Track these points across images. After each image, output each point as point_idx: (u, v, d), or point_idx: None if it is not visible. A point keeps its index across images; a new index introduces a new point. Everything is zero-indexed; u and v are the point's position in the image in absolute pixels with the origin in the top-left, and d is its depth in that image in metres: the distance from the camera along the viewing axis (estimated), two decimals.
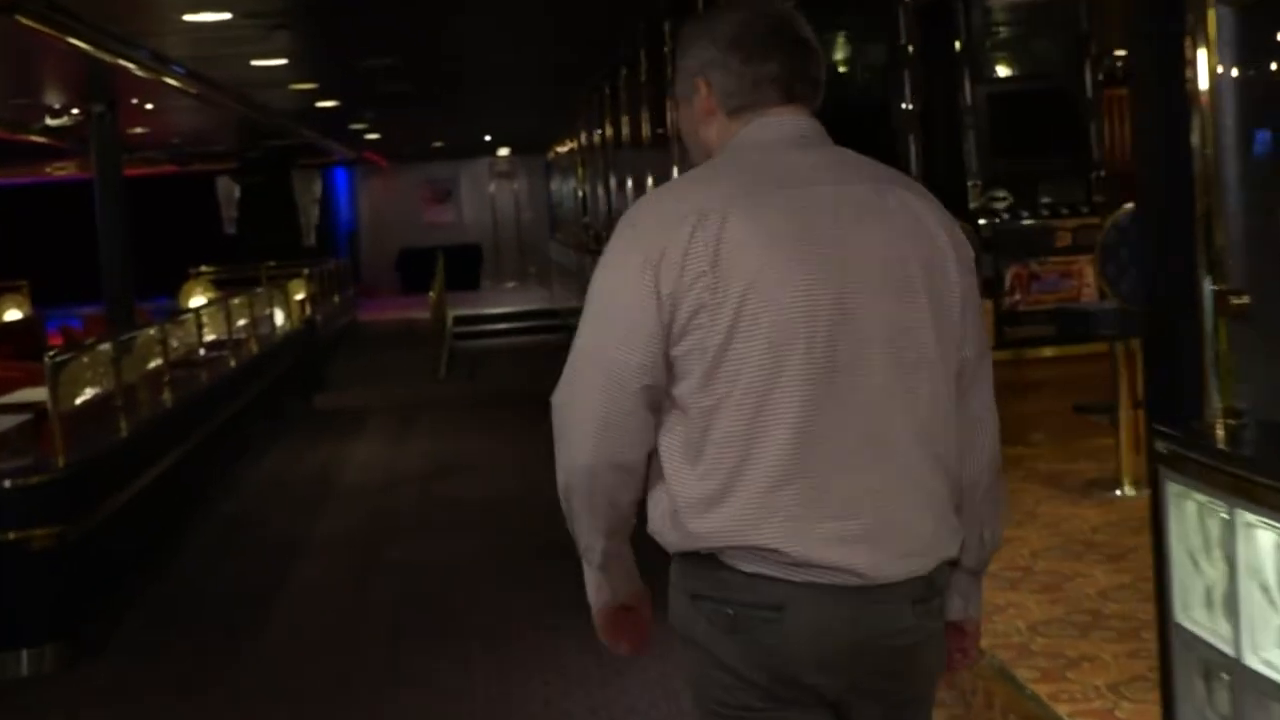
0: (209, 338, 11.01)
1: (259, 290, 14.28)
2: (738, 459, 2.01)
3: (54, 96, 12.69)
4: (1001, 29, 7.28)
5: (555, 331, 20.90)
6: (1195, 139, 2.24)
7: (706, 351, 2.01)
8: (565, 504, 2.22)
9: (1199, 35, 2.20)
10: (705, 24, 2.22)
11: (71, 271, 19.12)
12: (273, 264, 17.92)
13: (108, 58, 9.31)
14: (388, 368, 17.44)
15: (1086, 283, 6.92)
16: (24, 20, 7.66)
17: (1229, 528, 2.20)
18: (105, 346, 8.03)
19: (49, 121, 13.81)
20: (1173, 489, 2.23)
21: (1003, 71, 7.21)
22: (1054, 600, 4.59)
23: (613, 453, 2.10)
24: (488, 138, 25.59)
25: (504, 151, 29.23)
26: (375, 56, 11.36)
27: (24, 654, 6.16)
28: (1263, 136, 2.30)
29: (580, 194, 17.79)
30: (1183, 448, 2.22)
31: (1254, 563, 2.19)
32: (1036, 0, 7.38)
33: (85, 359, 7.59)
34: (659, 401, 2.08)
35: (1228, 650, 2.25)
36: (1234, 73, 2.25)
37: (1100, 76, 7.34)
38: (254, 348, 12.41)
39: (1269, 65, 2.29)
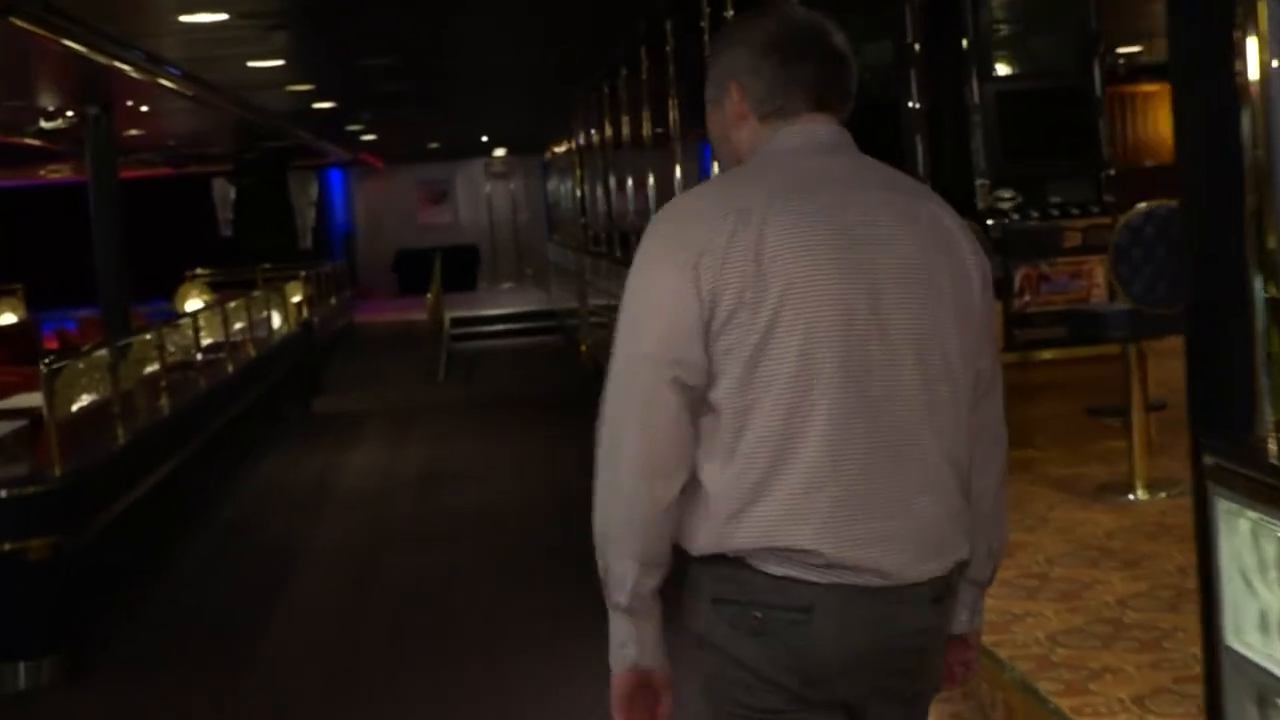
0: (206, 342, 10.92)
1: (255, 293, 14.21)
2: (772, 460, 2.01)
3: (49, 99, 12.61)
4: (1010, 26, 7.19)
5: (553, 333, 20.84)
6: (1245, 133, 2.16)
7: (744, 351, 2.01)
8: (600, 523, 2.12)
9: (1249, 26, 2.13)
10: (741, 29, 2.24)
11: (66, 274, 19.04)
12: (269, 266, 17.87)
13: (103, 59, 9.24)
14: (385, 371, 17.37)
15: (1096, 284, 6.83)
16: (18, 22, 7.59)
17: None
18: (102, 353, 7.94)
19: (43, 124, 13.73)
20: (1223, 506, 2.14)
21: (1011, 69, 7.11)
22: (1072, 609, 4.50)
23: (656, 456, 2.05)
24: (484, 138, 25.54)
25: (500, 152, 29.17)
26: (373, 56, 11.30)
27: (21, 667, 6.08)
28: None
29: (579, 194, 17.72)
30: (1234, 462, 2.13)
31: None
32: None
33: (81, 365, 7.50)
34: (698, 407, 2.06)
35: None
36: None
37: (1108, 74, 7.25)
38: (251, 351, 12.33)
39: None
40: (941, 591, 2.13)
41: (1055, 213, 6.89)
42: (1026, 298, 6.83)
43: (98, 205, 11.95)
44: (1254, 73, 2.15)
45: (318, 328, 16.78)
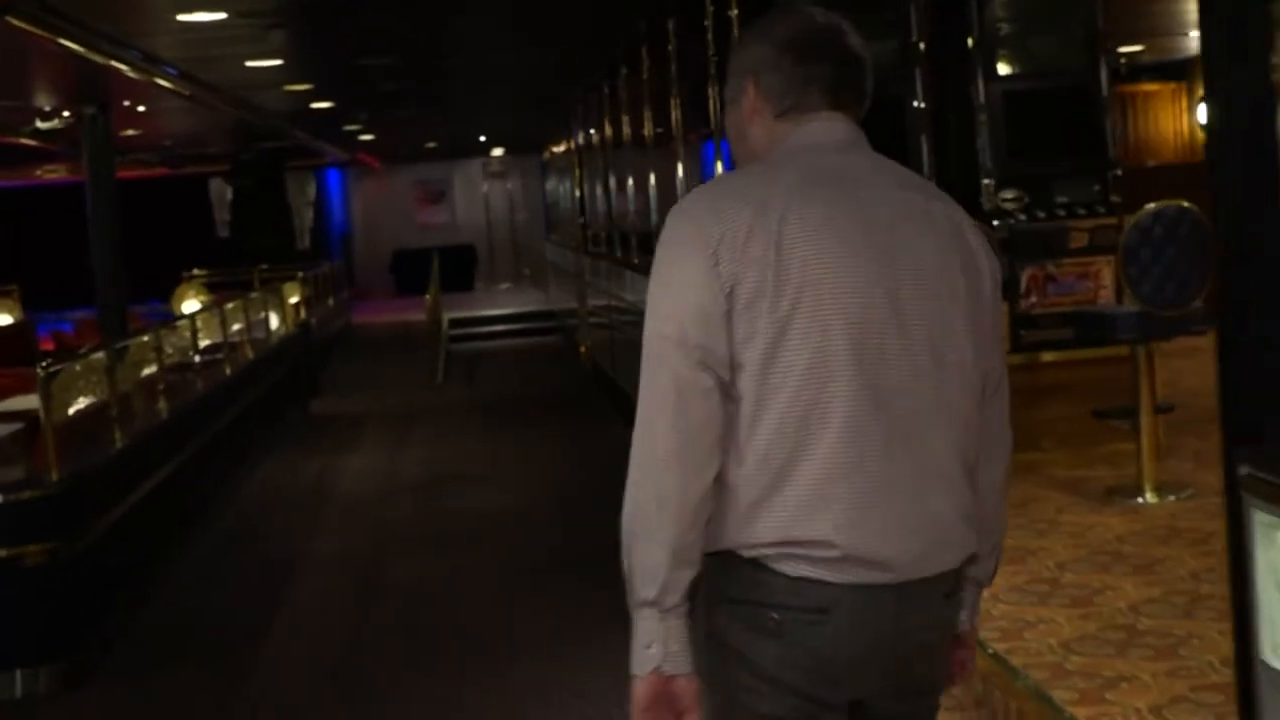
0: (204, 343, 10.86)
1: (253, 294, 14.15)
2: (791, 451, 2.02)
3: (45, 99, 12.57)
4: (1015, 25, 7.12)
5: (552, 333, 20.78)
6: None
7: (763, 340, 2.02)
8: (630, 512, 2.07)
9: None
10: (759, 28, 2.26)
11: (63, 275, 18.98)
12: (266, 267, 17.79)
13: (100, 59, 9.19)
14: (384, 372, 17.31)
15: (1103, 285, 6.76)
16: (15, 22, 7.55)
17: None
18: (99, 355, 7.87)
19: (40, 124, 13.68)
20: (1260, 518, 2.08)
21: (1017, 68, 7.04)
22: (1085, 615, 4.44)
23: (690, 439, 2.03)
24: (482, 138, 25.48)
25: (498, 151, 29.11)
26: (372, 56, 11.24)
27: (18, 675, 6.02)
28: None
29: (577, 194, 17.67)
30: (1271, 472, 2.06)
31: None
32: None
33: (78, 368, 7.43)
34: (722, 398, 2.06)
35: None
36: None
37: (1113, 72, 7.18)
38: (249, 353, 12.27)
39: None
40: (952, 586, 2.16)
41: (1062, 213, 6.82)
42: (1033, 299, 6.76)
43: (94, 206, 11.91)
44: None
45: (315, 329, 16.72)
